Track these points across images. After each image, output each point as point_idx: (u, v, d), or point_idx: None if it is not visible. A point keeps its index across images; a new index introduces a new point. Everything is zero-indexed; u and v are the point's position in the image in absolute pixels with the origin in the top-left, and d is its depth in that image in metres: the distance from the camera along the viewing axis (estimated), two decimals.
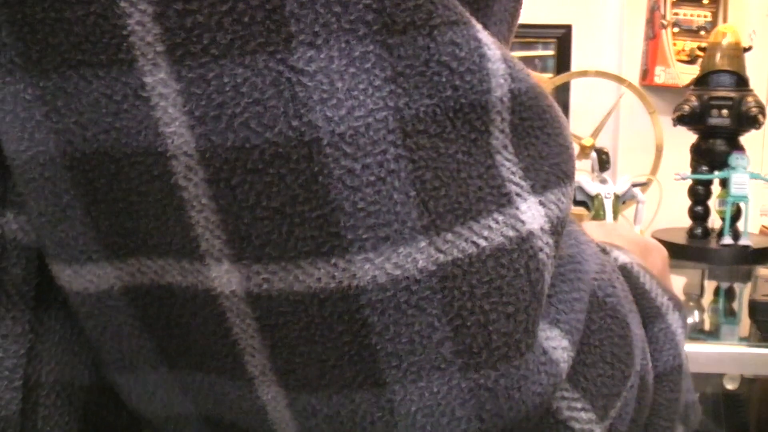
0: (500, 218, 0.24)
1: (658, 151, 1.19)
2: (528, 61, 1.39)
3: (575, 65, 1.38)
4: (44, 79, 0.23)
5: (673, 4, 1.31)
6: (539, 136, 0.26)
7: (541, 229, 0.25)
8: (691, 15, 1.32)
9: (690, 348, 0.81)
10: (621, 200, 0.87)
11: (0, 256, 0.26)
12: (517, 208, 0.25)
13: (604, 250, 0.38)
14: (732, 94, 1.10)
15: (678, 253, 1.13)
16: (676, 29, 1.31)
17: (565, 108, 1.39)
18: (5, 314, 0.26)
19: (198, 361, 0.26)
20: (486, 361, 0.24)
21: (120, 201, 0.23)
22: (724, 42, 1.12)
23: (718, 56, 1.12)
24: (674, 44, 1.31)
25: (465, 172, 0.24)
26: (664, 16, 1.31)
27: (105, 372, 0.28)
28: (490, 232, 0.24)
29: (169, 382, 0.27)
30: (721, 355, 0.80)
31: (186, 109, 0.22)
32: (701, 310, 0.97)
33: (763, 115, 1.08)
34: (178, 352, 0.26)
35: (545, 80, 1.36)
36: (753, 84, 1.13)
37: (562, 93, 1.38)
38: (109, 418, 0.29)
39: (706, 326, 0.93)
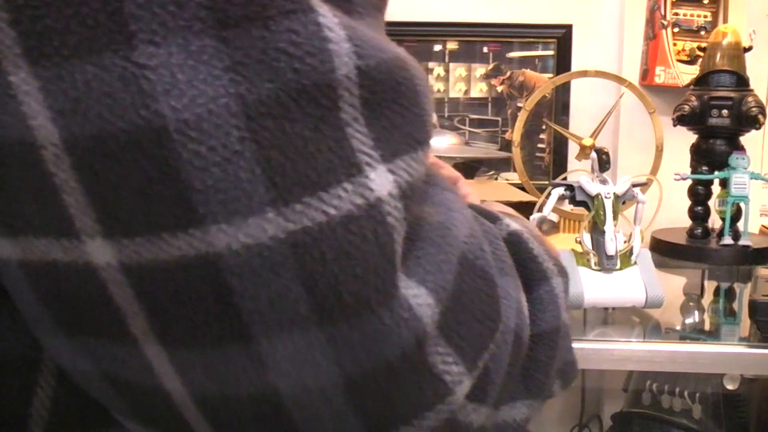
0: (349, 187, 0.27)
1: (658, 151, 1.19)
2: (528, 61, 1.39)
3: (575, 65, 1.38)
4: None
5: (673, 4, 1.31)
6: (392, 107, 0.28)
7: (390, 194, 0.28)
8: (691, 15, 1.32)
9: (690, 348, 0.81)
10: (621, 200, 0.87)
11: None
12: (367, 177, 0.27)
13: (496, 218, 0.41)
14: (732, 94, 1.10)
15: (678, 253, 1.13)
16: (676, 29, 1.31)
17: (565, 108, 1.39)
18: None
19: (89, 328, 0.29)
20: (339, 317, 0.27)
21: (5, 188, 0.26)
22: (724, 42, 1.12)
23: (718, 56, 1.12)
24: (674, 44, 1.31)
25: (313, 146, 0.26)
26: (664, 16, 1.31)
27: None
28: (339, 200, 0.27)
29: (68, 345, 0.30)
30: (721, 355, 0.80)
31: (47, 104, 0.25)
32: (701, 310, 0.97)
33: (763, 115, 1.08)
34: (73, 321, 0.29)
35: (545, 80, 1.36)
36: (753, 84, 1.12)
37: (562, 93, 1.38)
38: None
39: (706, 326, 0.93)
